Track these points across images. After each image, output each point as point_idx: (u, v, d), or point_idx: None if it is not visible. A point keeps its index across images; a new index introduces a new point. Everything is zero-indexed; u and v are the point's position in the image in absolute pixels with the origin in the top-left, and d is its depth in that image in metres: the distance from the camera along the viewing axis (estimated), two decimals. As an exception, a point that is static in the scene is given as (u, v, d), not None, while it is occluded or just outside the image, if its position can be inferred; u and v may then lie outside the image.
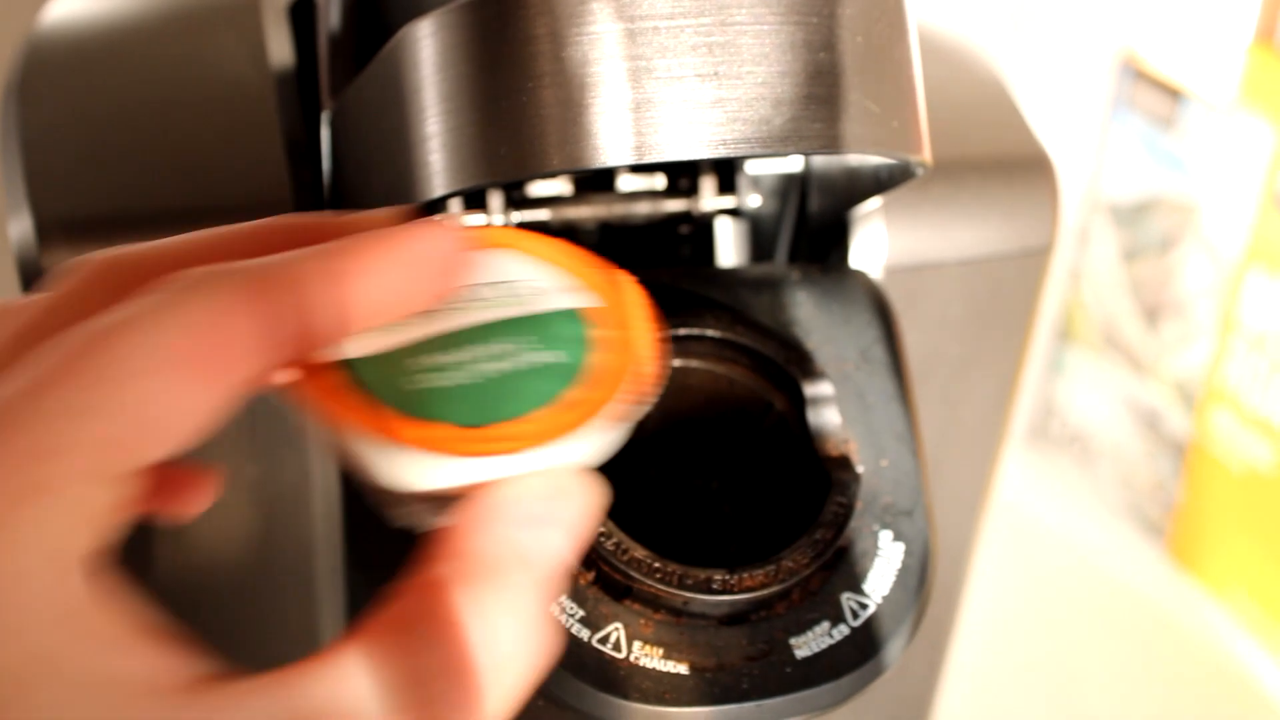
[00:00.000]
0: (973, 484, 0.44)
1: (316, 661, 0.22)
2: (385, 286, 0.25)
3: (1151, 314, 0.68)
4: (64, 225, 0.34)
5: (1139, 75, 0.66)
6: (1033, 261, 0.40)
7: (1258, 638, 0.64)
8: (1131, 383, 0.69)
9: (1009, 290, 0.40)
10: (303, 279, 0.23)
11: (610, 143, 0.28)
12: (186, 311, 0.22)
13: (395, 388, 0.26)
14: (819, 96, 0.28)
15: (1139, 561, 0.69)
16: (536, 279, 0.28)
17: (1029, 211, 0.40)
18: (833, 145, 0.28)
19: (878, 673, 0.30)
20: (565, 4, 0.28)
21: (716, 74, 0.28)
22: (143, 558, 0.37)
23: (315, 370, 0.25)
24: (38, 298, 0.25)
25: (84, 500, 0.21)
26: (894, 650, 0.30)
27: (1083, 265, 0.71)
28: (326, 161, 0.36)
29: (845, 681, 0.30)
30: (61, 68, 0.38)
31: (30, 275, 0.34)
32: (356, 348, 0.26)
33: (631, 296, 0.28)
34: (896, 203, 0.38)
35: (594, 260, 0.28)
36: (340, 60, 0.37)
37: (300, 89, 0.39)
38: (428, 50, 0.29)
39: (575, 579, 0.30)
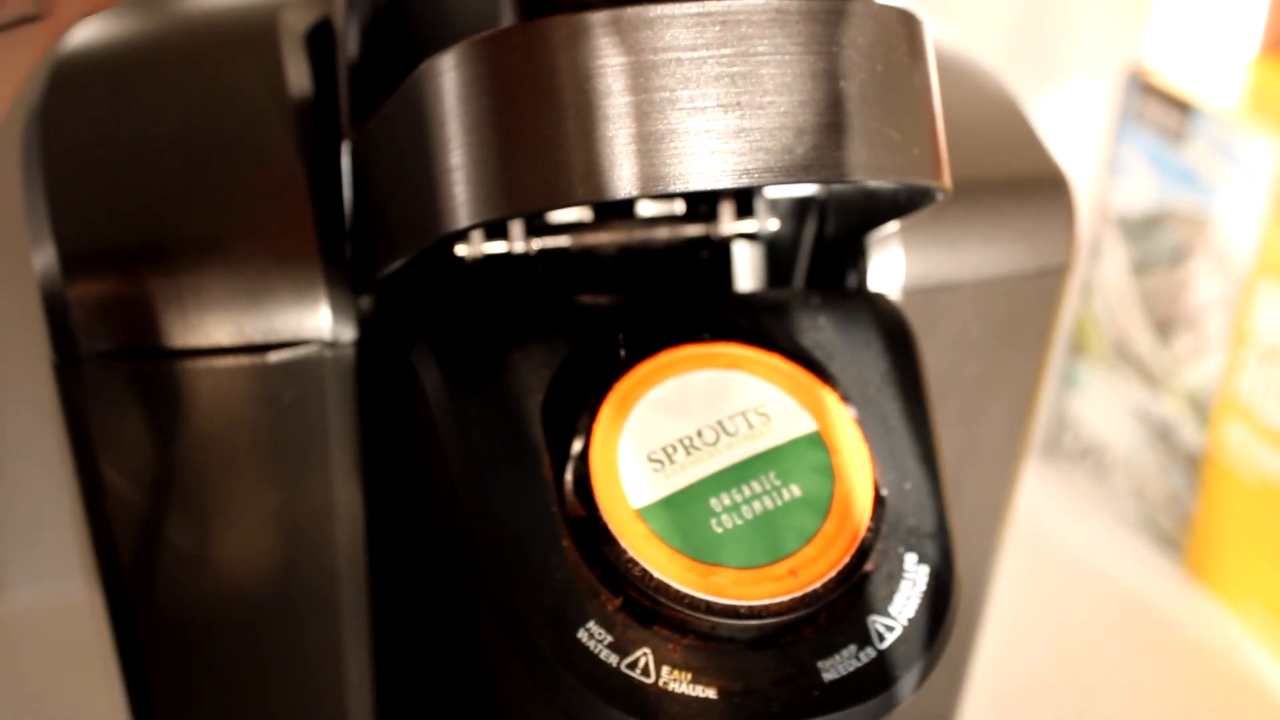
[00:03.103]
0: (992, 504, 0.44)
1: None
2: None
3: (1163, 327, 0.68)
4: (88, 256, 0.34)
5: (1147, 89, 0.66)
6: (1050, 281, 0.40)
7: (1274, 649, 0.64)
8: (1144, 396, 0.69)
9: (1027, 310, 0.40)
10: None
11: (635, 173, 0.28)
12: None
13: (683, 534, 0.30)
14: (840, 125, 0.29)
15: (1154, 574, 0.69)
16: (761, 401, 0.32)
17: (1046, 231, 0.40)
18: (854, 174, 0.29)
19: (905, 694, 0.30)
20: (587, 36, 0.28)
21: (739, 104, 0.28)
22: (163, 584, 0.37)
23: (616, 519, 0.30)
24: None
25: None
26: (921, 672, 0.31)
27: (1093, 279, 0.71)
28: (347, 190, 0.36)
29: (874, 704, 0.30)
30: (82, 97, 0.38)
31: (54, 306, 0.34)
32: (643, 495, 0.30)
33: (836, 409, 0.32)
34: (913, 225, 0.38)
35: (797, 370, 0.33)
36: (360, 89, 0.38)
37: (320, 117, 0.39)
38: (451, 83, 0.29)
39: (603, 604, 0.30)
